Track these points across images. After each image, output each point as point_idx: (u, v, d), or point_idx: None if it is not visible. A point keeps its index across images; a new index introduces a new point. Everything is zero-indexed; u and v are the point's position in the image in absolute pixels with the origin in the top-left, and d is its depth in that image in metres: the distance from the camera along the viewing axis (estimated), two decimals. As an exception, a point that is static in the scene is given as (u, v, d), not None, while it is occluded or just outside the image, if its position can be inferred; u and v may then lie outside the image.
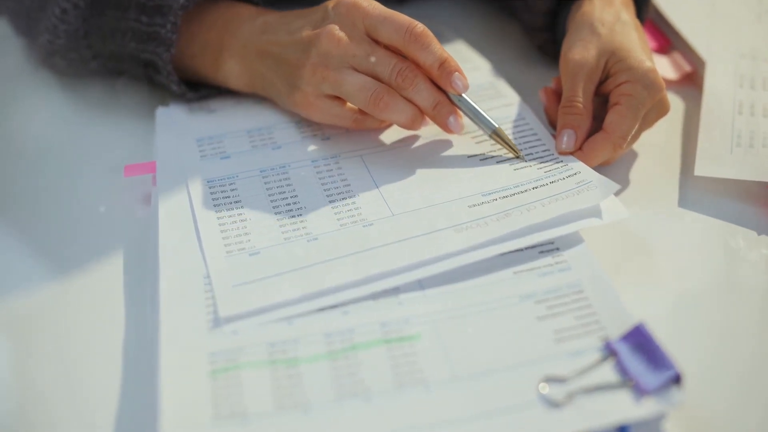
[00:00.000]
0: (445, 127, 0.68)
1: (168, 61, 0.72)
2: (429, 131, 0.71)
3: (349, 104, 0.68)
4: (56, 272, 0.62)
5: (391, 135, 0.71)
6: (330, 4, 0.67)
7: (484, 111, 0.67)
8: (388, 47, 0.66)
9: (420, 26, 0.65)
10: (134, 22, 0.71)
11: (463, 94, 0.67)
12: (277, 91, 0.71)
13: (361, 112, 0.68)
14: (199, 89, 0.75)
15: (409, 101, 0.66)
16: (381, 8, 0.65)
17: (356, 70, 0.65)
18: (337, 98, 0.68)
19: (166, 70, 0.72)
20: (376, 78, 0.66)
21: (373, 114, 0.66)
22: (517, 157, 0.67)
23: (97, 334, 0.57)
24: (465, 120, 0.70)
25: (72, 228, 0.65)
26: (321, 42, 0.65)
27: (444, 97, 0.67)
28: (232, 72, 0.72)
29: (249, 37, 0.70)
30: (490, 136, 0.67)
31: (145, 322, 0.57)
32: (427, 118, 0.69)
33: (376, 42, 0.66)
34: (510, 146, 0.67)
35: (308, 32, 0.67)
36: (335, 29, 0.65)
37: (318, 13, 0.68)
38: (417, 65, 0.66)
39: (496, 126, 0.67)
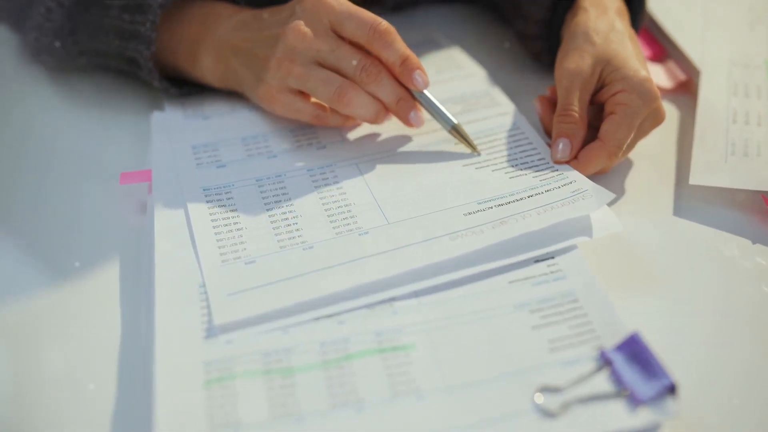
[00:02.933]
0: (407, 122, 0.69)
1: (148, 58, 0.73)
2: (425, 139, 0.71)
3: (313, 99, 0.69)
4: (51, 280, 0.61)
5: (387, 143, 0.71)
6: (298, 1, 0.68)
7: (443, 107, 0.69)
8: (352, 43, 0.67)
9: (384, 24, 0.66)
10: (117, 20, 0.72)
11: (425, 90, 0.68)
12: (247, 85, 0.72)
13: (323, 108, 0.69)
14: (184, 85, 0.77)
15: (373, 96, 0.67)
16: (347, 4, 0.66)
17: (321, 65, 0.67)
18: (301, 93, 0.69)
19: (147, 67, 0.73)
20: (340, 73, 0.67)
21: (337, 109, 0.67)
22: (476, 153, 0.68)
23: (91, 342, 0.57)
24: (468, 130, 0.70)
25: (67, 236, 0.65)
26: (287, 37, 0.66)
27: (406, 93, 0.68)
28: (207, 67, 0.73)
29: (224, 34, 0.71)
30: (449, 132, 0.69)
31: (140, 330, 0.57)
32: (390, 114, 0.70)
33: (342, 38, 0.67)
34: (468, 142, 0.69)
35: (277, 28, 0.68)
36: (301, 24, 0.66)
37: (287, 10, 0.69)
38: (380, 61, 0.67)
39: (455, 122, 0.69)
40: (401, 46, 0.67)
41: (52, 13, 0.73)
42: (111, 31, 0.73)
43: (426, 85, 0.68)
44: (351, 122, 0.71)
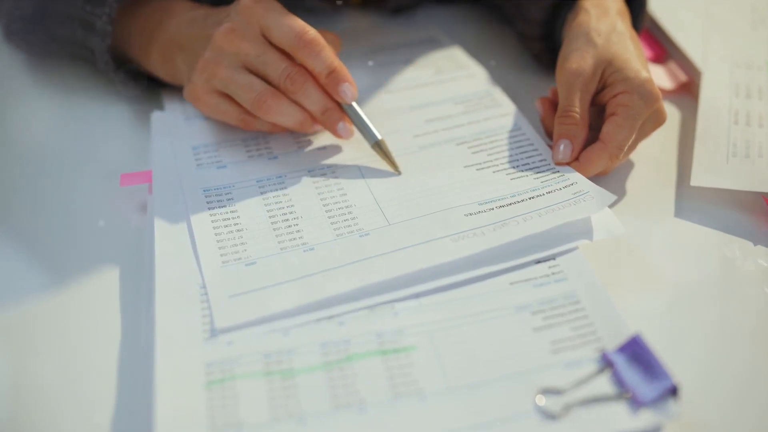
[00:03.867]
0: (335, 133, 0.69)
1: (104, 51, 0.73)
2: (425, 140, 0.71)
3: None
4: (51, 281, 0.61)
5: (387, 145, 0.70)
6: (236, 3, 0.68)
7: (369, 121, 0.68)
8: (281, 50, 0.66)
9: (311, 33, 0.65)
10: (80, 10, 0.73)
11: (353, 103, 0.68)
12: (184, 82, 0.71)
13: (249, 112, 0.68)
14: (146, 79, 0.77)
15: (299, 105, 0.67)
16: (278, 10, 0.66)
17: (248, 69, 0.66)
18: (227, 95, 0.68)
19: (103, 60, 0.74)
20: (266, 79, 0.66)
21: (257, 115, 0.67)
22: (397, 173, 0.67)
23: (92, 344, 0.57)
24: (465, 131, 0.70)
25: (67, 236, 0.65)
26: (215, 38, 0.66)
27: (333, 104, 0.68)
28: (157, 62, 0.73)
29: (174, 31, 0.71)
30: (372, 147, 0.68)
31: (140, 331, 0.57)
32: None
33: (272, 44, 0.66)
34: (390, 160, 0.67)
35: (214, 29, 0.67)
36: (230, 27, 0.66)
37: (226, 11, 0.68)
38: (308, 71, 0.66)
39: (379, 138, 0.67)
40: (328, 57, 0.66)
41: (20, 1, 0.74)
42: (75, 21, 0.73)
43: (353, 98, 0.67)
44: (278, 129, 0.70)
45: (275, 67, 0.65)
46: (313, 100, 0.67)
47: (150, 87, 0.77)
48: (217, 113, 0.69)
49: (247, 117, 0.68)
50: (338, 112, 0.68)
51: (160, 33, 0.72)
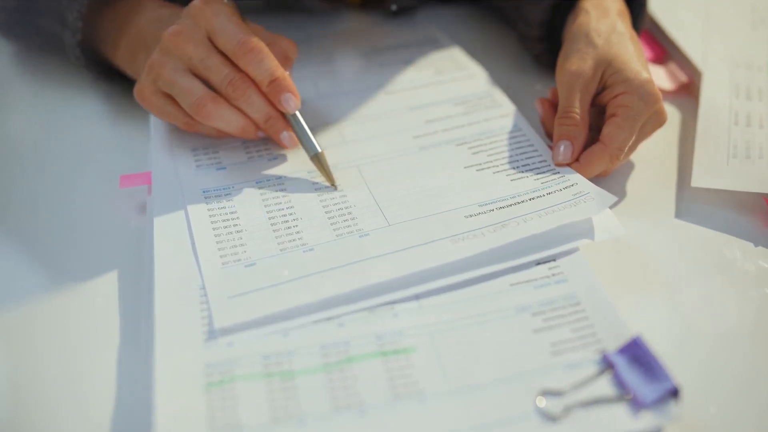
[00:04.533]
0: (279, 142, 0.68)
1: (74, 46, 0.73)
2: (426, 141, 0.71)
3: None
4: (50, 283, 0.61)
5: (387, 145, 0.70)
6: (188, 5, 0.67)
7: (310, 133, 0.67)
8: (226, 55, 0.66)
9: (253, 41, 0.64)
10: (57, 4, 0.73)
11: (297, 112, 0.67)
12: None
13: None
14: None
15: (241, 111, 0.66)
16: (225, 15, 0.65)
17: (193, 72, 0.65)
18: (172, 97, 0.67)
19: (74, 54, 0.74)
20: (209, 84, 0.65)
21: (197, 119, 0.66)
22: (332, 187, 0.66)
23: (91, 345, 0.57)
24: (465, 132, 0.70)
25: (68, 238, 0.65)
26: (163, 40, 0.65)
27: (276, 113, 0.67)
28: (124, 59, 0.73)
29: (141, 28, 0.71)
30: (311, 159, 0.67)
31: (140, 333, 0.57)
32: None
33: (217, 48, 0.65)
34: (327, 174, 0.66)
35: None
36: (177, 29, 0.65)
37: (182, 12, 0.68)
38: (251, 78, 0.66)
39: (319, 150, 0.66)
40: (270, 66, 0.65)
41: None
42: (55, 15, 0.74)
43: (295, 108, 0.66)
44: (224, 134, 0.69)
45: (218, 72, 0.64)
46: (256, 107, 0.66)
47: (126, 83, 0.76)
48: (163, 114, 0.68)
49: (191, 120, 0.67)
50: (281, 122, 0.67)
51: (127, 30, 0.72)
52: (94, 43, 0.75)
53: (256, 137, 0.69)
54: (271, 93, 0.66)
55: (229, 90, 0.65)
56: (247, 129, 0.67)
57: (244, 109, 0.66)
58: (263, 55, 0.65)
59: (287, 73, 0.67)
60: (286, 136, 0.68)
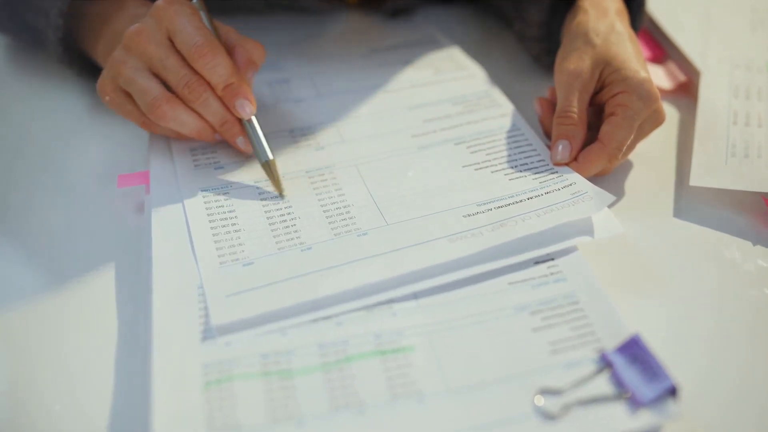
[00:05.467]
0: (235, 147, 0.68)
1: (56, 44, 0.73)
2: (424, 140, 0.70)
3: None
4: (48, 282, 0.61)
5: (386, 144, 0.70)
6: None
7: (264, 139, 0.67)
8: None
9: (208, 45, 0.64)
10: (41, 1, 0.73)
11: (252, 118, 0.67)
12: None
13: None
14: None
15: (198, 114, 0.66)
16: (186, 16, 0.64)
17: (153, 72, 0.65)
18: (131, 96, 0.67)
19: (57, 53, 0.74)
20: (167, 84, 0.65)
21: (152, 120, 0.65)
22: (281, 196, 0.65)
23: (89, 344, 0.57)
24: (464, 131, 0.70)
25: (65, 237, 0.65)
26: (125, 38, 0.65)
27: (232, 117, 0.66)
28: (102, 57, 0.73)
29: (118, 27, 0.71)
30: (262, 165, 0.66)
31: (138, 332, 0.57)
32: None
33: (177, 49, 0.65)
34: (275, 183, 0.66)
35: None
36: (139, 28, 0.65)
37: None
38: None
39: (270, 158, 0.66)
40: (224, 70, 0.64)
41: None
42: (39, 11, 0.74)
43: (250, 114, 0.66)
44: (181, 135, 0.69)
45: (175, 73, 0.64)
46: (212, 111, 0.65)
47: None
48: (122, 112, 0.68)
49: (148, 120, 0.67)
50: (236, 126, 0.67)
51: (107, 28, 0.72)
52: (76, 40, 0.75)
53: (213, 140, 0.68)
54: (225, 98, 0.65)
55: (185, 92, 0.64)
56: (202, 132, 0.67)
57: (201, 112, 0.65)
58: (218, 59, 0.64)
59: (250, 76, 0.67)
60: (242, 141, 0.67)
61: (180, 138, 0.70)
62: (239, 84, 0.65)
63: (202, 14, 0.67)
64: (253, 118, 0.67)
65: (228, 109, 0.66)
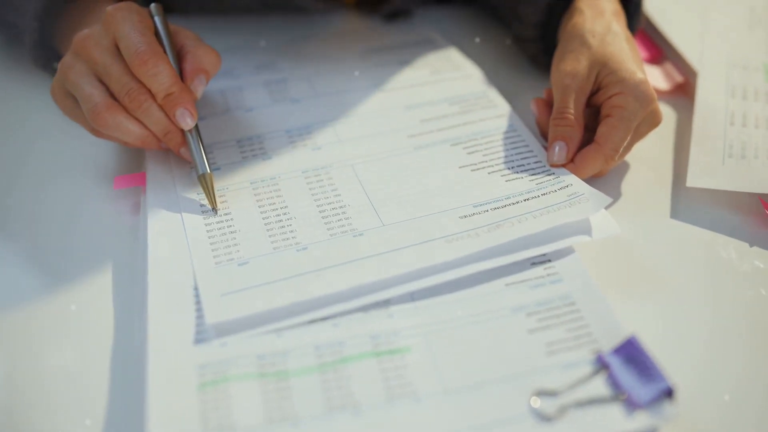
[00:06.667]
0: (179, 155, 0.67)
1: (31, 47, 0.73)
2: (421, 141, 0.70)
3: None
4: (44, 283, 0.61)
5: (382, 145, 0.70)
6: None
7: (202, 151, 0.65)
8: None
9: (147, 53, 0.62)
10: (25, 2, 0.73)
11: (193, 128, 0.65)
12: None
13: None
14: None
15: (141, 122, 0.64)
16: (132, 22, 0.63)
17: (98, 78, 0.64)
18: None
19: (32, 56, 0.74)
20: (112, 91, 0.63)
21: (94, 127, 0.64)
22: (213, 210, 0.64)
23: (84, 345, 0.57)
24: (461, 131, 0.70)
25: (61, 238, 0.65)
26: (73, 43, 0.64)
27: (174, 127, 0.65)
28: None
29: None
30: (198, 178, 0.65)
31: (133, 333, 0.56)
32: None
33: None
34: (209, 197, 0.64)
35: None
36: (87, 33, 0.64)
37: None
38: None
39: (207, 171, 0.64)
40: (166, 80, 0.62)
41: None
42: (19, 12, 0.73)
43: (190, 125, 0.64)
44: (128, 143, 0.67)
45: (117, 81, 0.62)
46: (153, 120, 0.64)
47: None
48: (71, 115, 0.67)
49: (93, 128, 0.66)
50: (179, 136, 0.65)
51: (79, 31, 0.69)
52: (53, 41, 0.74)
53: (159, 148, 0.67)
54: (165, 107, 0.63)
55: (126, 100, 0.63)
56: (146, 140, 0.65)
57: (143, 121, 0.64)
58: (160, 67, 0.62)
59: (197, 84, 0.65)
60: (185, 151, 0.66)
61: (127, 145, 0.68)
62: (180, 93, 0.63)
63: (157, 20, 0.66)
64: (194, 130, 0.65)
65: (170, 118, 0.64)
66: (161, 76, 0.62)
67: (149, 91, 0.63)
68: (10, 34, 0.78)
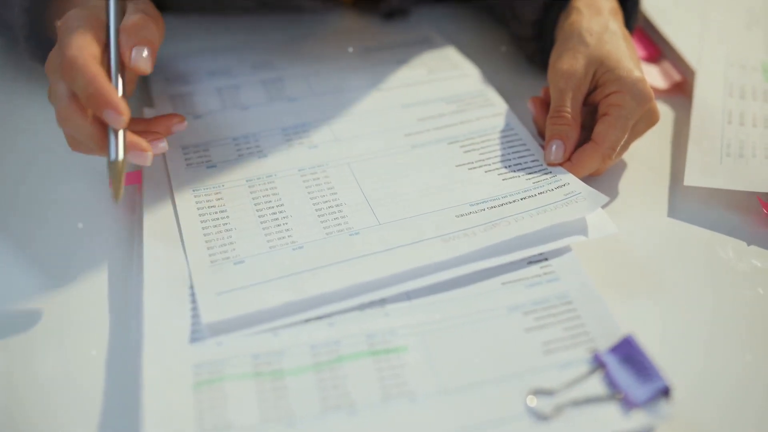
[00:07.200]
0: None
1: (22, 41, 0.71)
2: (415, 139, 0.70)
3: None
4: (40, 282, 0.61)
5: (378, 143, 0.70)
6: None
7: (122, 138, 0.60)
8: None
9: (71, 56, 0.58)
10: None
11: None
12: None
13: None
14: None
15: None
16: (73, 26, 0.60)
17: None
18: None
19: (26, 51, 0.72)
20: None
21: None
22: (116, 198, 0.59)
23: (80, 344, 0.56)
24: (458, 130, 0.70)
25: (57, 237, 0.64)
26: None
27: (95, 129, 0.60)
28: None
29: None
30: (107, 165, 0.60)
31: (128, 332, 0.56)
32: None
33: None
34: (116, 184, 0.59)
35: None
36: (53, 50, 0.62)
37: None
38: None
39: (118, 159, 0.59)
40: (82, 86, 0.57)
41: None
42: (10, 8, 0.72)
43: (121, 124, 0.58)
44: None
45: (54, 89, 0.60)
46: (76, 124, 0.59)
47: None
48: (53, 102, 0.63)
49: None
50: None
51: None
52: (47, 34, 0.72)
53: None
54: (90, 108, 0.59)
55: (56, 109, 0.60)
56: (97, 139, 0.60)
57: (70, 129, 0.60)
58: (76, 70, 0.58)
59: (138, 59, 0.61)
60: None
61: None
62: (94, 95, 0.58)
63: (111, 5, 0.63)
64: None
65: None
66: (78, 81, 0.58)
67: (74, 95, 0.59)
68: (5, 32, 0.77)
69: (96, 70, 0.58)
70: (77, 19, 0.61)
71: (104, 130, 0.60)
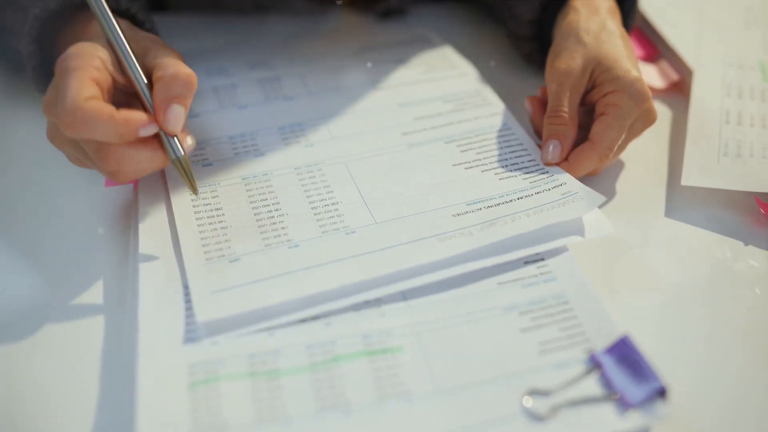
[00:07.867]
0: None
1: (30, 71, 0.69)
2: (414, 138, 0.70)
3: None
4: (35, 283, 0.61)
5: (375, 142, 0.70)
6: None
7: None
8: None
9: (72, 108, 0.55)
10: (18, 25, 0.69)
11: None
12: None
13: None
14: None
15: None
16: (64, 79, 0.57)
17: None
18: None
19: (33, 80, 0.70)
20: None
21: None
22: (194, 192, 0.61)
23: (74, 344, 0.56)
24: (455, 129, 0.70)
25: (52, 237, 0.64)
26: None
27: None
28: None
29: None
30: (172, 162, 0.60)
31: (123, 332, 0.56)
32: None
33: None
34: (189, 179, 0.60)
35: None
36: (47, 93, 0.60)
37: None
38: None
39: (181, 154, 0.59)
40: (106, 131, 0.56)
41: None
42: (17, 36, 0.69)
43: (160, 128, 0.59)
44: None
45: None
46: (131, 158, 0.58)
47: None
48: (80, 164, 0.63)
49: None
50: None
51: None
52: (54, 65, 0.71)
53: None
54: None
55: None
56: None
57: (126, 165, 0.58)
58: (64, 88, 0.56)
59: (172, 118, 0.59)
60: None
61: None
62: (73, 112, 0.56)
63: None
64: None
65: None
66: (99, 131, 0.56)
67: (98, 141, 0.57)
68: (11, 62, 0.76)
69: (100, 115, 0.55)
70: (74, 59, 0.59)
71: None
